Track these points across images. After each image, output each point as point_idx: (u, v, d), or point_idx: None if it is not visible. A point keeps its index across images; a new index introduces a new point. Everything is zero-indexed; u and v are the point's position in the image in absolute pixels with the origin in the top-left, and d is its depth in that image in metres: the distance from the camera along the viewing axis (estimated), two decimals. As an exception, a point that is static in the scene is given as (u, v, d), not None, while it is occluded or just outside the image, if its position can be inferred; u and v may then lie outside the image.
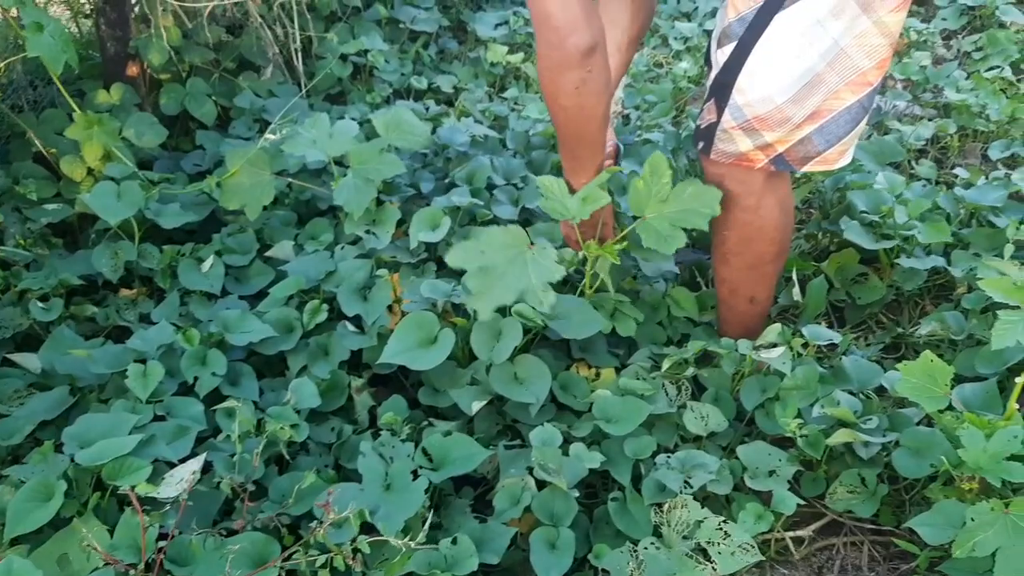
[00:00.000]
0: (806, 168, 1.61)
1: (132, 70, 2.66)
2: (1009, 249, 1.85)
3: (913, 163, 2.60)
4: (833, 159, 1.60)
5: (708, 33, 3.60)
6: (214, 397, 1.65)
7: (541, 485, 1.48)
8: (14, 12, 2.25)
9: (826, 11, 1.45)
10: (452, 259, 1.62)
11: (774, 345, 1.69)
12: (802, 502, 1.53)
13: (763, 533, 1.49)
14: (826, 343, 1.76)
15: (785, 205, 1.71)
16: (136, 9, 2.70)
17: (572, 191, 1.72)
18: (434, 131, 2.45)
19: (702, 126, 1.66)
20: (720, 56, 1.58)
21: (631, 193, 1.70)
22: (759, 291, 1.80)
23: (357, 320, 1.82)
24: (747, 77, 1.55)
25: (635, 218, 1.70)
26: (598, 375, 1.76)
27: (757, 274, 1.77)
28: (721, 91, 1.60)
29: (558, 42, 1.49)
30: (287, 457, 1.54)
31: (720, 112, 1.60)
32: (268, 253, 2.09)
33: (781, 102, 1.53)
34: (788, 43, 1.49)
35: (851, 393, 1.68)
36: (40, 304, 1.90)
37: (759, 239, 1.71)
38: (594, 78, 1.53)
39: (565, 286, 1.81)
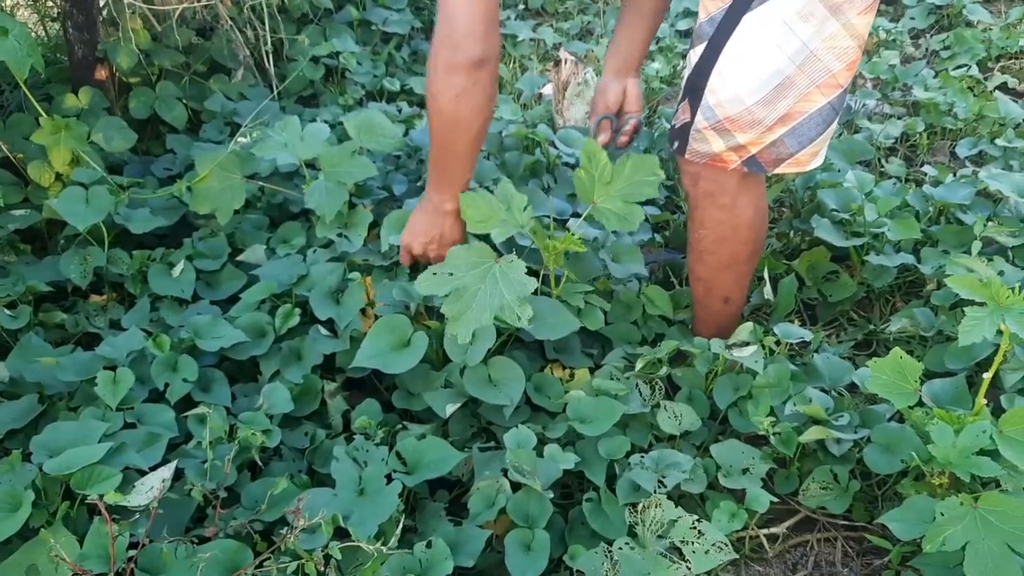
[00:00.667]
0: (779, 169, 1.62)
1: (101, 74, 2.63)
2: (976, 246, 1.88)
3: (883, 161, 2.62)
4: (805, 160, 1.61)
5: (679, 33, 3.62)
6: (185, 403, 1.63)
7: (516, 487, 1.47)
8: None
9: (793, 13, 1.46)
10: (421, 286, 1.59)
11: (746, 344, 1.70)
12: (775, 499, 1.54)
13: (737, 531, 1.50)
14: (798, 341, 1.77)
15: (759, 205, 1.73)
16: (104, 12, 2.67)
17: (430, 207, 1.74)
18: (406, 133, 2.44)
19: (676, 125, 1.68)
20: (693, 56, 1.60)
21: (576, 184, 1.72)
22: (734, 291, 1.81)
23: (330, 324, 1.81)
24: (718, 77, 1.56)
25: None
26: (572, 376, 1.76)
27: (732, 273, 1.78)
28: (693, 92, 1.61)
29: (452, 45, 1.52)
30: (260, 463, 1.53)
31: (693, 112, 1.62)
32: (240, 257, 2.07)
33: (751, 104, 1.54)
34: (757, 44, 1.51)
35: (823, 390, 1.69)
36: (7, 311, 1.87)
37: (733, 239, 1.72)
38: (477, 92, 1.55)
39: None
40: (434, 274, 1.58)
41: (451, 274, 1.57)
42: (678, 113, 1.67)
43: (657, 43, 3.48)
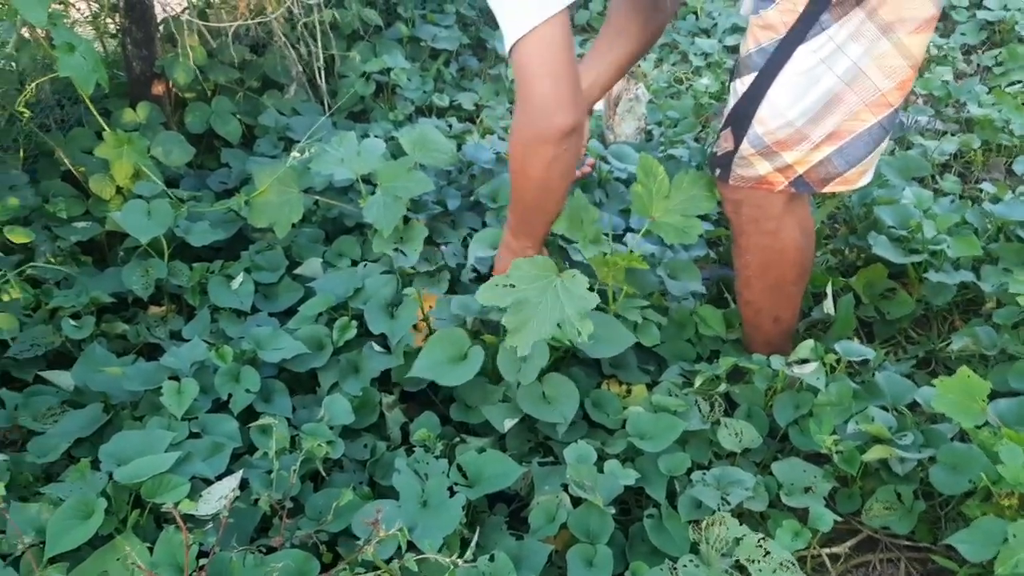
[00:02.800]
0: (827, 189, 1.61)
1: (157, 89, 2.68)
2: (1040, 264, 1.85)
3: (937, 178, 2.60)
4: (853, 179, 1.60)
5: (727, 48, 3.61)
6: (246, 414, 1.66)
7: (576, 502, 1.47)
8: (43, 32, 2.29)
9: (845, 36, 1.46)
10: (483, 297, 1.59)
11: (806, 361, 1.68)
12: (838, 519, 1.52)
13: (800, 550, 1.48)
14: (859, 359, 1.75)
15: (805, 227, 1.71)
16: (161, 29, 2.73)
17: (510, 252, 1.74)
18: (459, 148, 2.46)
19: (718, 153, 1.66)
20: (739, 86, 1.58)
21: (633, 199, 1.72)
22: (784, 311, 1.80)
23: (383, 338, 1.82)
24: (768, 107, 1.55)
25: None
26: (629, 392, 1.76)
27: (780, 295, 1.77)
28: (739, 121, 1.59)
29: (543, 118, 1.49)
30: (323, 474, 1.54)
31: (738, 141, 1.60)
32: (297, 271, 2.10)
33: (800, 124, 1.53)
34: (809, 72, 1.50)
35: (884, 409, 1.67)
36: (72, 322, 1.91)
37: (780, 262, 1.71)
38: (567, 158, 1.54)
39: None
40: (496, 285, 1.59)
41: (512, 286, 1.58)
42: (720, 141, 1.65)
43: (706, 59, 3.48)
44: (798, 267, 1.73)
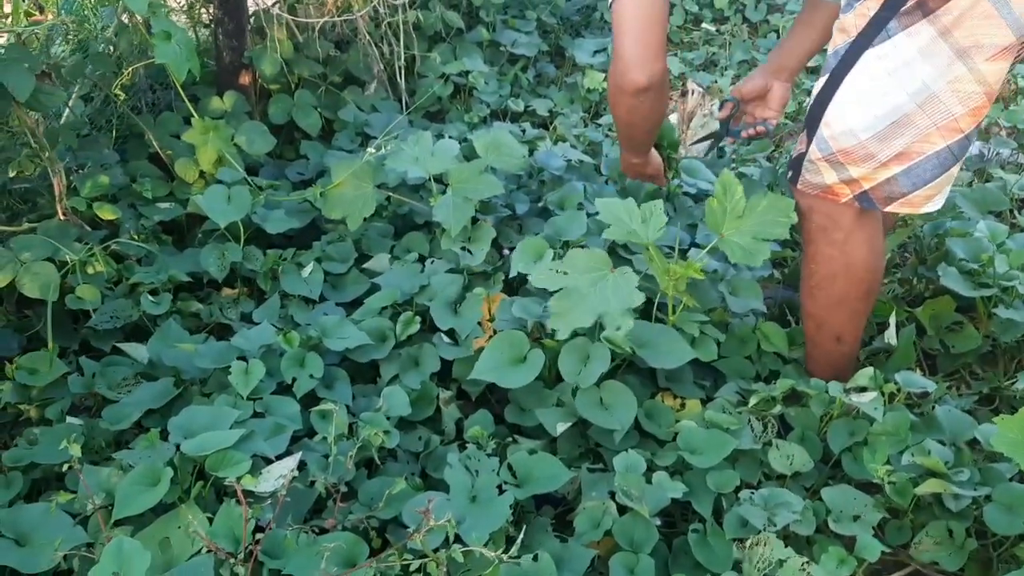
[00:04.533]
0: (890, 208, 1.62)
1: (244, 79, 2.78)
2: (1117, 307, 1.80)
3: (1016, 213, 2.54)
4: (918, 203, 1.60)
5: (808, 70, 3.57)
6: (308, 398, 1.71)
7: (622, 510, 1.49)
8: (142, 19, 2.39)
9: (915, 52, 1.46)
10: (536, 279, 1.68)
11: (864, 389, 1.67)
12: (886, 549, 1.51)
13: (844, 578, 1.47)
14: (919, 391, 1.73)
15: (874, 244, 1.71)
16: (252, 21, 2.82)
17: (624, 160, 2.06)
18: (531, 154, 2.49)
19: (793, 155, 1.71)
20: (815, 88, 1.63)
21: (707, 214, 1.74)
22: (846, 329, 1.79)
23: (450, 333, 1.87)
24: (834, 110, 1.58)
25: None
26: (683, 405, 1.77)
27: (844, 311, 1.76)
28: (812, 122, 1.64)
29: (621, 72, 1.70)
30: (377, 462, 1.58)
31: (809, 143, 1.64)
32: (366, 265, 2.15)
33: (865, 138, 1.55)
34: (876, 80, 1.52)
35: (942, 443, 1.65)
36: (150, 297, 1.99)
37: (845, 276, 1.71)
38: (644, 107, 1.75)
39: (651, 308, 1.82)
40: (550, 270, 1.63)
41: (566, 273, 1.63)
42: (798, 144, 1.70)
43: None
44: (864, 284, 1.73)
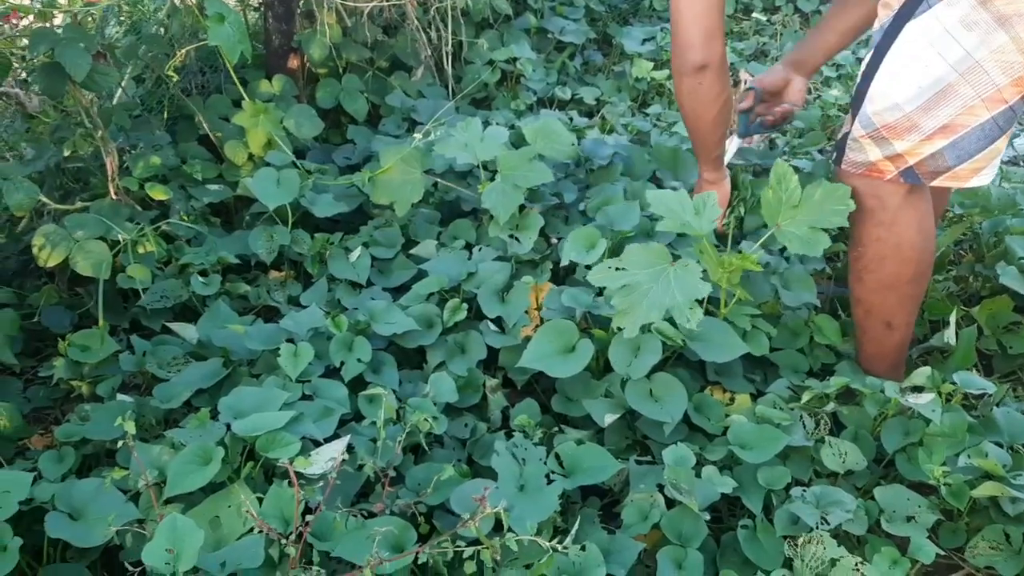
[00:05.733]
0: (936, 183, 1.60)
1: (293, 63, 2.78)
2: None
3: (1079, 211, 2.47)
4: (965, 176, 1.58)
5: (859, 61, 3.51)
6: (355, 382, 1.72)
7: (670, 504, 1.47)
8: (193, 1, 2.41)
9: (956, 21, 1.45)
10: (594, 278, 1.65)
11: (921, 389, 1.63)
12: (940, 552, 1.48)
13: (897, 580, 1.44)
14: (978, 392, 1.69)
15: (924, 225, 1.68)
16: (301, 5, 2.83)
17: (700, 177, 2.05)
18: (579, 142, 2.47)
19: (838, 137, 1.70)
20: (862, 65, 1.62)
21: (763, 204, 1.71)
22: (896, 315, 1.75)
23: (497, 321, 1.86)
24: (878, 84, 1.57)
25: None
26: (733, 400, 1.74)
27: (893, 296, 1.73)
28: (857, 100, 1.63)
29: (679, 53, 1.77)
30: (425, 447, 1.58)
31: (853, 120, 1.63)
32: (413, 251, 2.15)
33: (910, 110, 1.53)
34: (918, 52, 1.50)
35: (1000, 446, 1.61)
36: (200, 278, 2.01)
37: (894, 257, 1.68)
38: (704, 90, 1.79)
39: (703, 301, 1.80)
40: (608, 268, 1.61)
41: (624, 270, 1.61)
42: (844, 125, 1.69)
43: (837, 70, 3.39)
44: (913, 265, 1.70)
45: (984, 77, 1.47)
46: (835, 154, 1.71)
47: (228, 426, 1.46)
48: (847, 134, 1.66)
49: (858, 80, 1.63)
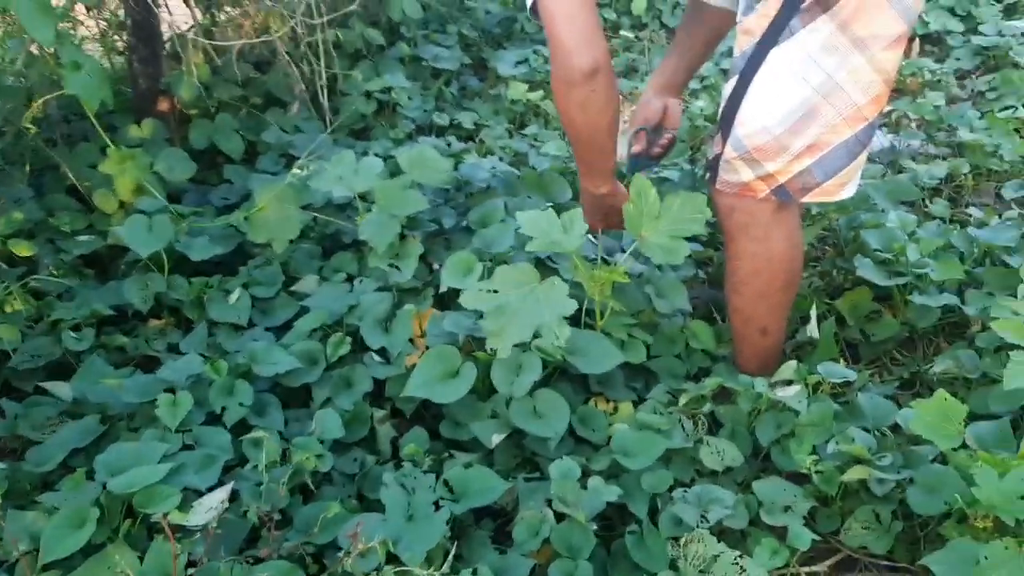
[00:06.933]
0: (807, 199, 1.69)
1: (162, 105, 2.74)
2: (1023, 289, 1.88)
3: (928, 202, 2.63)
4: (833, 191, 1.67)
5: (724, 72, 3.66)
6: (240, 427, 1.69)
7: (560, 517, 1.50)
8: (51, 49, 2.34)
9: (817, 47, 1.53)
10: (466, 300, 1.69)
11: (790, 382, 1.71)
12: (817, 538, 1.54)
13: (778, 568, 1.50)
14: (841, 380, 1.78)
15: (793, 237, 1.77)
16: (167, 47, 2.78)
17: (588, 193, 1.87)
18: (456, 167, 2.50)
19: (710, 157, 1.76)
20: (726, 89, 1.68)
21: (625, 217, 1.77)
22: (770, 322, 1.84)
23: (381, 352, 1.86)
24: (747, 109, 1.63)
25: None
26: (616, 409, 1.79)
27: (767, 304, 1.82)
28: (725, 123, 1.69)
29: (564, 60, 1.61)
30: (312, 487, 1.57)
31: (724, 143, 1.69)
32: (294, 287, 2.14)
33: (778, 133, 1.61)
34: (783, 77, 1.58)
35: (866, 430, 1.70)
36: (72, 334, 1.95)
37: (767, 270, 1.76)
38: (597, 97, 1.64)
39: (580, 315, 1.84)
40: (479, 291, 1.64)
41: (495, 292, 1.65)
42: (713, 146, 1.74)
43: (702, 81, 3.52)
44: (785, 275, 1.78)
45: (845, 98, 1.56)
46: (708, 174, 1.77)
47: (104, 485, 1.43)
48: (719, 156, 1.71)
49: (723, 104, 1.69)
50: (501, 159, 2.81)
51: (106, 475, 1.45)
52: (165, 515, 1.26)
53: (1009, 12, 4.02)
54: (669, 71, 2.06)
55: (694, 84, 3.50)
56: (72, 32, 2.76)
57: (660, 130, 2.06)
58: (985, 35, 3.75)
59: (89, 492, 1.44)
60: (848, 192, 1.69)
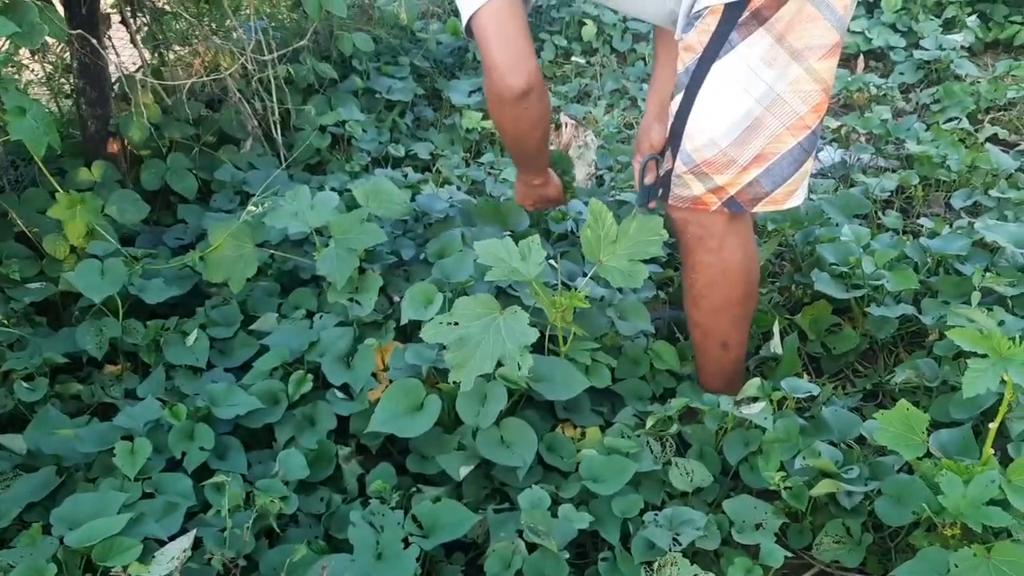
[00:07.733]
0: (757, 208, 1.71)
1: (113, 147, 2.70)
2: (976, 296, 1.91)
3: (880, 214, 2.67)
4: (781, 199, 1.70)
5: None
6: (202, 471, 1.66)
7: (532, 548, 1.49)
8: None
9: (757, 59, 1.57)
10: (427, 334, 1.67)
11: (755, 400, 1.72)
12: (790, 554, 1.55)
13: (752, 587, 1.50)
14: (805, 395, 1.79)
15: (747, 248, 1.79)
16: (115, 88, 2.75)
17: (523, 183, 2.07)
18: (413, 198, 2.49)
19: (661, 174, 1.77)
20: (673, 106, 1.70)
21: (583, 242, 1.79)
22: (731, 335, 1.85)
23: (344, 387, 1.84)
24: (693, 123, 1.66)
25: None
26: (583, 435, 1.78)
27: (726, 316, 1.83)
28: (674, 139, 1.71)
29: (498, 80, 1.67)
30: (277, 530, 1.54)
31: (674, 158, 1.71)
32: (252, 326, 2.10)
33: (725, 145, 1.63)
34: (727, 90, 1.61)
35: (832, 443, 1.71)
36: (25, 384, 1.90)
37: (724, 282, 1.78)
38: (529, 113, 1.73)
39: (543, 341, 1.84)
40: (440, 323, 1.63)
41: (456, 324, 1.63)
42: (664, 162, 1.76)
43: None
44: (742, 287, 1.80)
45: (787, 108, 1.60)
46: (660, 191, 1.78)
47: (61, 539, 1.38)
48: (670, 171, 1.73)
49: (671, 120, 1.71)
50: (458, 188, 2.82)
51: (63, 529, 1.41)
52: (125, 568, 1.22)
53: (948, 26, 4.13)
54: (662, 93, 1.96)
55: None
56: (16, 77, 2.72)
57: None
58: (926, 49, 3.85)
59: (46, 547, 1.40)
60: (796, 200, 1.72)
